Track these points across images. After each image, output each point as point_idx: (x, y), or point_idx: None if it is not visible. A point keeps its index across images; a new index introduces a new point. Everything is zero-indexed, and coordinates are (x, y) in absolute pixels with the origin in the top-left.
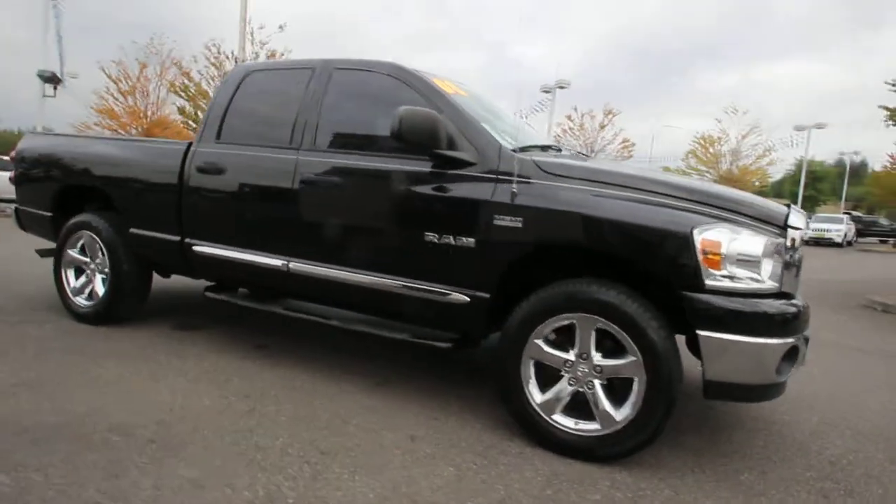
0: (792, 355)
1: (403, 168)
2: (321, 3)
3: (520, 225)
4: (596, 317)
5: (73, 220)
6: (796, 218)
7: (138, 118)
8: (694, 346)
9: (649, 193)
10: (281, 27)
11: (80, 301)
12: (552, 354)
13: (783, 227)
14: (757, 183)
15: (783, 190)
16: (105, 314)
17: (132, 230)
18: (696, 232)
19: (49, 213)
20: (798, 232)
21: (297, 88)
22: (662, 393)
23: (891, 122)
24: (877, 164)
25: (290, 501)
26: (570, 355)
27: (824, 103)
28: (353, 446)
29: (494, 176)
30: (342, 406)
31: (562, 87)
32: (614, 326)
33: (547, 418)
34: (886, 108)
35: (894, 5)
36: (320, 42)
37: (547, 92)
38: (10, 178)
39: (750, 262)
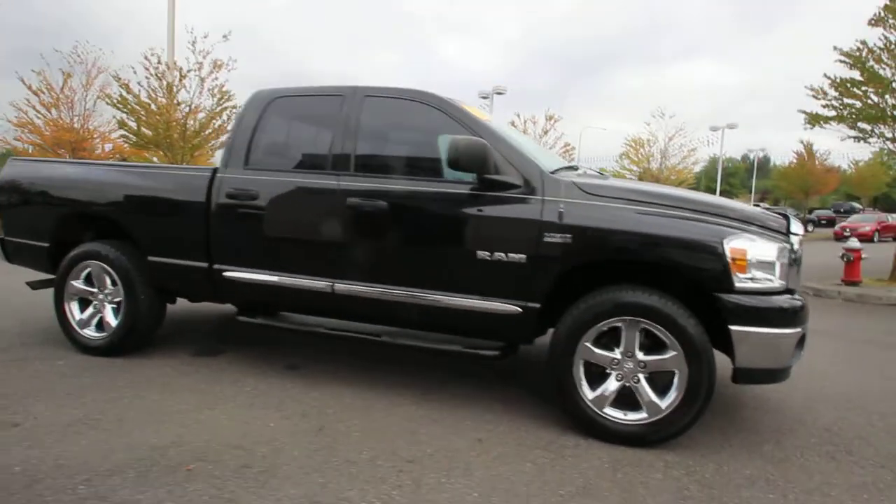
0: (801, 342)
1: (451, 191)
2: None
3: (570, 241)
4: (641, 319)
5: (78, 250)
6: (796, 225)
7: (64, 131)
8: (716, 341)
9: (677, 209)
10: (225, 36)
11: (89, 333)
12: (601, 355)
13: (787, 233)
14: (674, 178)
15: (700, 185)
16: (120, 345)
17: (151, 258)
18: (725, 241)
19: (46, 244)
20: (797, 237)
21: (330, 115)
22: (702, 381)
23: (809, 125)
24: (777, 159)
25: None
26: (617, 354)
27: (726, 101)
28: (432, 453)
29: (540, 197)
30: (402, 417)
31: (499, 94)
32: (658, 326)
33: (599, 412)
34: (805, 112)
35: (783, 12)
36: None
37: (485, 98)
38: None
39: (766, 265)
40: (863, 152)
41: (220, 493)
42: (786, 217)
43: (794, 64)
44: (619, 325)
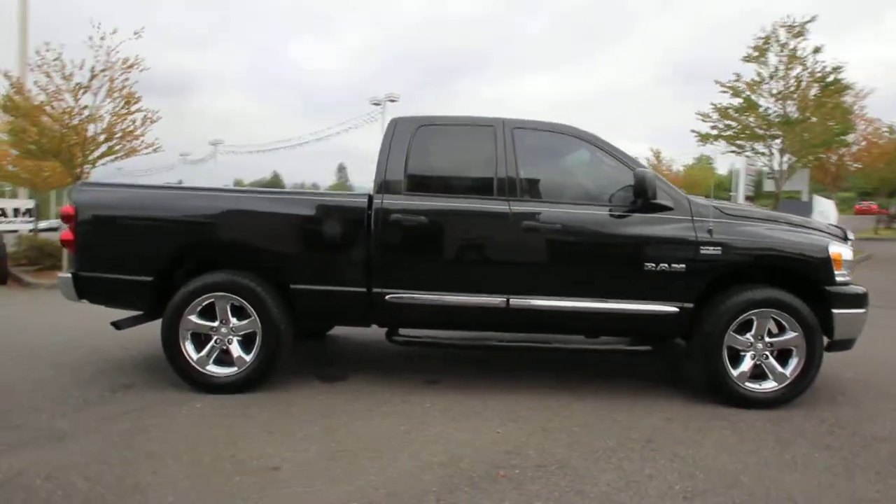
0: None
1: (617, 213)
2: None
3: (720, 253)
4: (773, 310)
5: (199, 282)
6: (849, 233)
7: None
8: None
9: (785, 224)
10: (137, 33)
11: (215, 370)
12: (740, 339)
13: (846, 239)
14: None
15: None
16: (257, 379)
17: (295, 286)
18: (829, 248)
19: (149, 279)
20: (850, 242)
21: (485, 145)
22: (815, 352)
23: (702, 143)
24: None
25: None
26: (750, 338)
27: (566, 114)
28: (650, 434)
29: (691, 218)
30: (594, 412)
31: (392, 101)
32: (785, 315)
33: (742, 386)
34: (698, 133)
35: (611, 32)
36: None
37: (377, 104)
38: (62, 240)
39: (847, 264)
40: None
41: (557, 488)
42: (842, 229)
43: (623, 79)
44: (752, 316)
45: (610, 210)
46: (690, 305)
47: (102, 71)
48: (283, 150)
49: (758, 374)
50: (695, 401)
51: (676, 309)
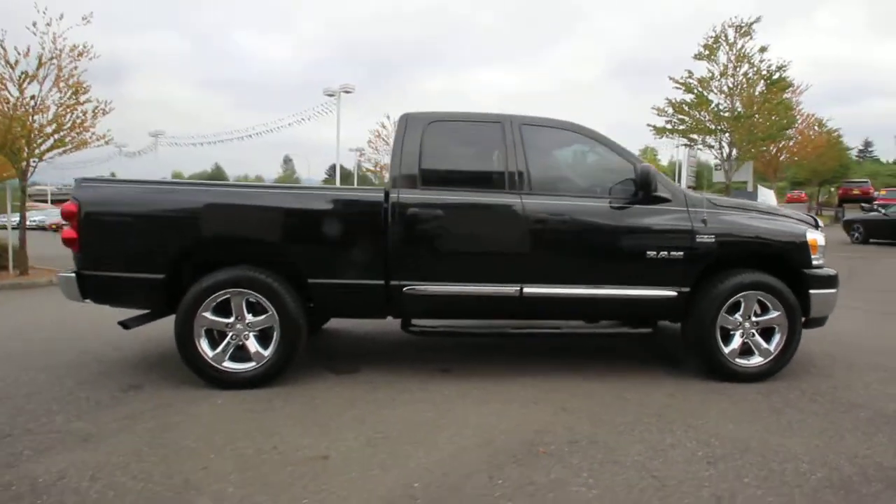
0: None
1: (620, 205)
2: None
3: (714, 240)
4: (759, 292)
5: (215, 279)
6: (819, 221)
7: None
8: None
9: (767, 214)
10: (86, 18)
11: (232, 366)
12: (730, 319)
13: (817, 227)
14: None
15: None
16: (275, 374)
17: (313, 280)
18: (806, 234)
19: (161, 276)
20: (821, 228)
21: (494, 141)
22: (796, 329)
23: (658, 136)
24: None
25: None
26: (738, 318)
27: (515, 106)
28: (661, 408)
29: (687, 209)
30: (608, 392)
31: (347, 92)
32: (769, 296)
33: (733, 362)
34: (654, 127)
35: (562, 26)
36: None
37: (331, 95)
38: (64, 238)
39: (821, 248)
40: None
41: (595, 460)
42: (814, 218)
43: (570, 73)
44: (740, 298)
45: (612, 202)
46: (687, 290)
47: (51, 59)
48: (230, 142)
49: (744, 350)
50: (689, 377)
51: (675, 293)
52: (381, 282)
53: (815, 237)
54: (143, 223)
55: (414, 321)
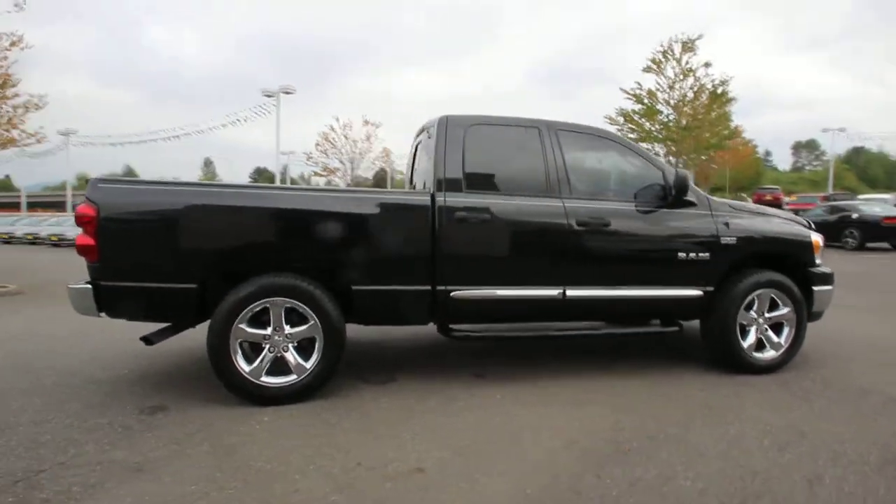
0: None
1: (649, 209)
2: None
3: (736, 242)
4: (773, 290)
5: (251, 288)
6: (811, 223)
7: None
8: None
9: (776, 217)
10: (18, 5)
11: (271, 380)
12: (748, 316)
13: (811, 228)
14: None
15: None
16: (318, 385)
17: (357, 287)
18: (811, 236)
19: (193, 285)
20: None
21: (533, 145)
22: (803, 324)
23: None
24: None
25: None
26: (754, 314)
27: (447, 107)
28: (698, 404)
29: (711, 212)
30: (648, 392)
31: (287, 93)
32: (782, 294)
33: (751, 356)
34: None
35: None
36: None
37: (269, 96)
38: (79, 245)
39: (821, 248)
40: None
41: (681, 453)
42: (807, 221)
43: (491, 79)
44: (755, 296)
45: (644, 206)
46: (712, 289)
47: None
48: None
49: (758, 345)
50: (706, 372)
51: (701, 292)
52: (428, 287)
53: (816, 238)
54: (174, 228)
55: (454, 326)
